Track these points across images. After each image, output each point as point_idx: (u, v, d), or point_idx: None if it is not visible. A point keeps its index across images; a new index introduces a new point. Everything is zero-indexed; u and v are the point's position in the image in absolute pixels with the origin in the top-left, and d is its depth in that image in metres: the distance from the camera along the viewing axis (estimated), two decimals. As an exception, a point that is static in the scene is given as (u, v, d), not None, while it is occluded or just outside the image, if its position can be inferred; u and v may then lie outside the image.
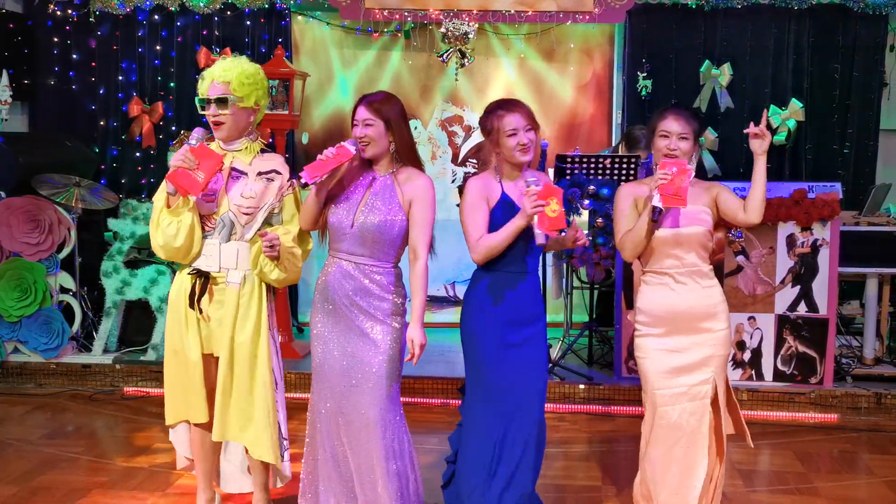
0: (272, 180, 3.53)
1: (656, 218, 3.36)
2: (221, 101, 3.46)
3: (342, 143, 3.37)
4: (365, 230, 3.38)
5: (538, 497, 3.63)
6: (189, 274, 3.54)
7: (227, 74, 3.47)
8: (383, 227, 3.38)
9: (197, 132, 3.48)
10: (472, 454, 3.49)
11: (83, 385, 6.03)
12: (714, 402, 3.49)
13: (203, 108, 3.51)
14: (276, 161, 3.61)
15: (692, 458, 3.46)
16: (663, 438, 3.49)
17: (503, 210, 3.41)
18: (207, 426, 3.62)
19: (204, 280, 3.53)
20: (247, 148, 3.57)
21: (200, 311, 3.53)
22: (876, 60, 6.92)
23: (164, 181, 3.46)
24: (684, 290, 3.47)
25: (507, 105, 3.46)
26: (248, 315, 3.54)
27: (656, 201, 3.32)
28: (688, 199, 3.39)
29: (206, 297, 3.53)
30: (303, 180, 3.31)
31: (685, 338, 3.48)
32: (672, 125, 3.42)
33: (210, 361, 3.58)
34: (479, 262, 3.43)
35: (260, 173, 3.53)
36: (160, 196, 3.50)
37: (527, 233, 3.35)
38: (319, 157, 3.33)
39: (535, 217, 3.23)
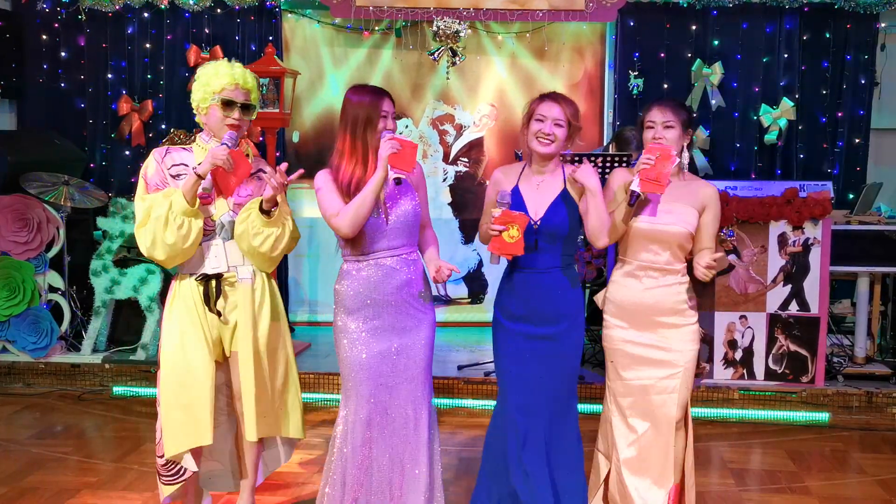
0: (261, 178, 3.54)
1: (633, 203, 3.35)
2: (248, 108, 3.48)
3: (396, 135, 3.33)
4: (402, 220, 3.41)
5: None
6: (197, 280, 3.47)
7: (249, 82, 3.48)
8: (415, 213, 3.46)
9: (231, 136, 3.38)
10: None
11: (72, 385, 6.00)
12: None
13: (225, 108, 3.42)
14: (261, 162, 3.66)
15: (662, 449, 3.45)
16: (627, 433, 3.51)
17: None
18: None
19: (217, 282, 3.49)
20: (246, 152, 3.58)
21: (219, 315, 3.48)
22: (867, 59, 6.94)
23: (191, 178, 3.33)
24: (653, 284, 3.45)
25: (553, 94, 3.43)
26: (264, 307, 3.56)
27: (635, 185, 3.32)
28: (679, 195, 3.38)
29: (221, 300, 3.49)
30: (398, 175, 3.28)
31: (651, 333, 3.47)
32: (656, 115, 3.44)
33: (217, 372, 3.51)
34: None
35: (251, 173, 3.55)
36: (175, 196, 3.34)
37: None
38: (392, 149, 3.26)
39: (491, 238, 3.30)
